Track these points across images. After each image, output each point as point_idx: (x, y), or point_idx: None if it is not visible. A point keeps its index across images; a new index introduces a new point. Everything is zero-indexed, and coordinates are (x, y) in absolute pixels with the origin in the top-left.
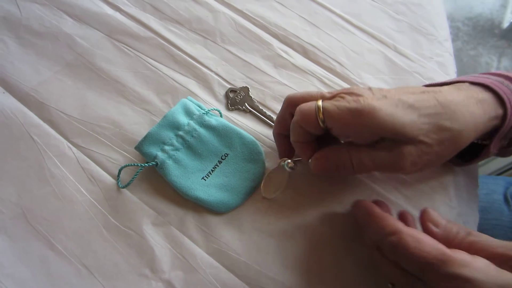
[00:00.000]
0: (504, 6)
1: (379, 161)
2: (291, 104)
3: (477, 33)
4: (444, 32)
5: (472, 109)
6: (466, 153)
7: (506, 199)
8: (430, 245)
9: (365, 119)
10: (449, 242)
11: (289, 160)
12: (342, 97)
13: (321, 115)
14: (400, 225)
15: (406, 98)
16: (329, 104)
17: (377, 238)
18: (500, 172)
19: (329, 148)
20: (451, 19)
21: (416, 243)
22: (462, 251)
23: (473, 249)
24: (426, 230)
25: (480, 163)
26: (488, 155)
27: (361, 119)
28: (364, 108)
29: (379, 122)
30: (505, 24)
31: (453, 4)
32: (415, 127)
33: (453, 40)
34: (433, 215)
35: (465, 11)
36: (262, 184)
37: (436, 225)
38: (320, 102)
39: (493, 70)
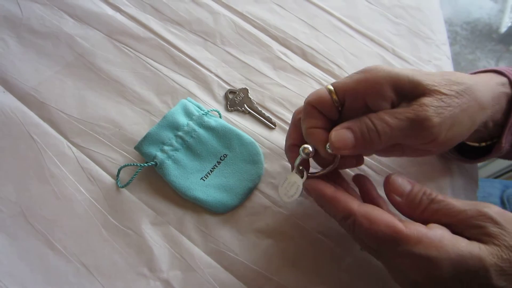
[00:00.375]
0: (502, 11)
1: (401, 116)
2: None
3: (475, 37)
4: (441, 36)
5: (475, 76)
6: (473, 153)
7: (502, 202)
8: (384, 223)
9: (375, 73)
10: (413, 210)
11: (306, 146)
12: None
13: (334, 96)
14: (353, 205)
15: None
16: (339, 81)
17: (335, 220)
18: (497, 176)
19: (348, 121)
20: (449, 23)
21: (370, 224)
22: (418, 224)
23: (436, 216)
24: (390, 200)
25: (478, 165)
26: (500, 150)
27: (372, 74)
28: (371, 67)
29: (390, 73)
30: (503, 29)
31: (451, 9)
32: (428, 78)
33: (451, 44)
34: (397, 184)
35: (463, 15)
36: (279, 189)
37: (400, 194)
38: (330, 85)
39: None
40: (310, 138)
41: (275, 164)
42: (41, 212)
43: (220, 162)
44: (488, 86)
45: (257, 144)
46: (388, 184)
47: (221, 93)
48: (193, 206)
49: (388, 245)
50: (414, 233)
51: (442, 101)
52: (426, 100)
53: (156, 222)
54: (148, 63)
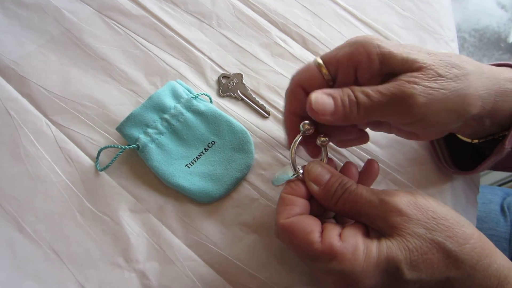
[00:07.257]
0: (511, 20)
1: (385, 90)
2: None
3: (482, 45)
4: (450, 32)
5: (483, 66)
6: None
7: (502, 210)
8: (301, 238)
9: (369, 47)
10: (328, 201)
11: (307, 122)
12: None
13: (324, 70)
14: (280, 216)
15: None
16: (327, 53)
17: None
18: (499, 184)
19: (331, 88)
20: (457, 29)
21: (291, 238)
22: (333, 235)
23: (348, 206)
24: (309, 189)
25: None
26: (501, 152)
27: (365, 47)
28: (366, 39)
29: (384, 49)
30: (511, 39)
31: (460, 14)
32: (425, 57)
33: (459, 50)
34: (316, 173)
35: (472, 22)
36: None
37: (318, 183)
38: (318, 58)
39: None
40: (288, 124)
41: (267, 155)
42: (12, 192)
43: (207, 149)
44: (493, 79)
45: (248, 132)
46: (306, 172)
47: (213, 78)
48: (175, 194)
49: (306, 260)
50: (327, 248)
51: (436, 82)
52: (416, 76)
53: (135, 210)
54: (139, 42)
